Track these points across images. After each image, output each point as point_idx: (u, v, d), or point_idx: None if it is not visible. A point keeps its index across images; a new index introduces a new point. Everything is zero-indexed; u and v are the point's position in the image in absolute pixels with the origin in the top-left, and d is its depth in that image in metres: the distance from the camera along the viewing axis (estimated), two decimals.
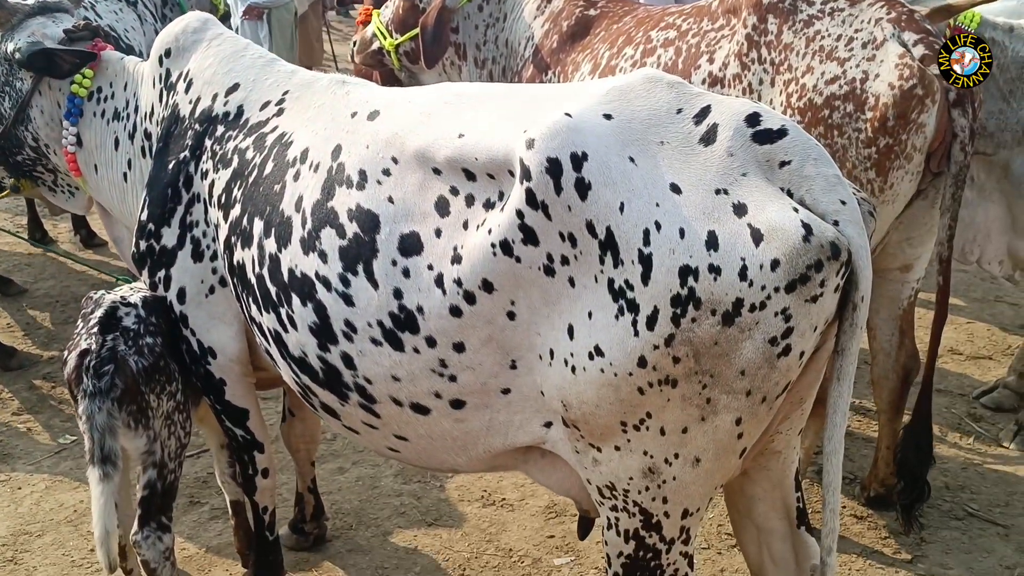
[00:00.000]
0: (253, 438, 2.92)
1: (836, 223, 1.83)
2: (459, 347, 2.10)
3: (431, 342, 2.13)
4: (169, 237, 2.73)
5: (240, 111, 2.69)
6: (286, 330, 2.38)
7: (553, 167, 1.88)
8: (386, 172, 2.21)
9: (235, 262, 2.55)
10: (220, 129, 2.70)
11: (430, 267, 2.10)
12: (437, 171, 2.13)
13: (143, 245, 2.78)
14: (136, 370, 2.58)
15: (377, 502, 3.70)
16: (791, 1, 3.23)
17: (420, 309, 2.11)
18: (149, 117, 2.93)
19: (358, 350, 2.23)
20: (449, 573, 3.30)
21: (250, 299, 2.51)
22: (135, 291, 2.76)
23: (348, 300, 2.22)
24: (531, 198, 1.91)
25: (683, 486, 2.02)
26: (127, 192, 3.05)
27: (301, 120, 2.54)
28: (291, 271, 2.33)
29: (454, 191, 2.09)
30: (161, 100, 2.89)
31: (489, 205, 2.04)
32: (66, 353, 2.64)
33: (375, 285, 2.17)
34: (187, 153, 2.73)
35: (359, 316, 2.20)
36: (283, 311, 2.37)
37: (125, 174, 3.03)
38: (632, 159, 1.88)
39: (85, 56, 3.05)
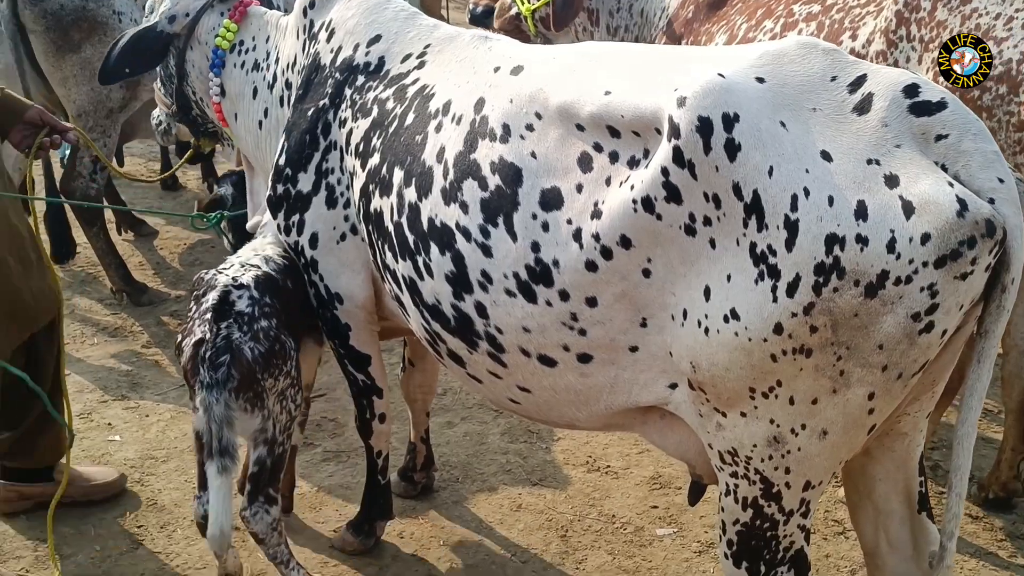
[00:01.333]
0: (373, 383, 3.00)
1: (992, 201, 1.77)
2: (591, 302, 2.12)
3: (564, 295, 2.15)
4: (305, 182, 2.81)
5: (381, 62, 2.73)
6: (422, 278, 2.43)
7: (704, 126, 1.86)
8: (529, 127, 2.23)
9: (372, 209, 2.60)
10: (360, 79, 2.74)
11: (569, 221, 2.11)
12: (580, 127, 2.13)
13: (280, 188, 2.86)
14: (252, 358, 2.54)
15: (484, 458, 3.76)
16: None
17: (556, 263, 2.14)
18: (291, 67, 3.00)
19: (492, 300, 2.27)
20: (551, 533, 3.34)
21: (385, 246, 2.56)
22: (246, 268, 2.73)
23: (486, 251, 2.25)
24: (678, 156, 1.91)
25: (807, 457, 2.00)
26: (261, 139, 3.15)
27: (443, 73, 2.57)
28: (431, 220, 2.37)
29: (597, 147, 2.10)
30: (304, 51, 2.95)
31: (633, 163, 2.04)
32: (180, 339, 2.63)
33: (513, 237, 2.20)
34: (326, 101, 2.78)
35: (496, 267, 2.24)
36: (420, 259, 2.41)
37: (260, 122, 3.13)
38: (783, 124, 1.85)
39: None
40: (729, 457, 2.09)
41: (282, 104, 3.04)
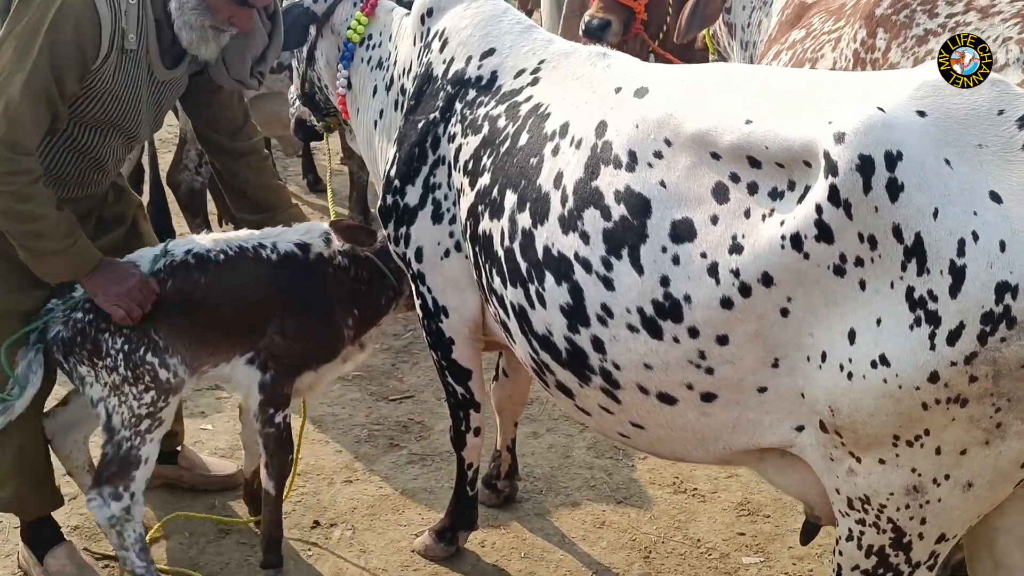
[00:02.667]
0: (472, 397, 2.99)
1: None
2: (722, 340, 2.03)
3: (693, 332, 2.06)
4: (412, 196, 2.78)
5: (494, 77, 2.68)
6: (532, 307, 2.35)
7: (865, 165, 1.77)
8: (657, 154, 2.12)
9: (480, 231, 2.53)
10: (472, 93, 2.69)
11: (703, 255, 2.02)
12: (716, 156, 2.03)
13: (388, 200, 2.84)
14: (52, 338, 2.77)
15: (568, 471, 3.72)
16: (909, 12, 2.96)
17: (688, 298, 2.04)
18: (406, 73, 2.98)
19: (611, 335, 2.18)
20: (634, 554, 3.29)
21: (493, 270, 2.49)
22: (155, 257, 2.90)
23: (608, 284, 2.16)
24: (834, 195, 1.81)
25: (947, 509, 1.90)
26: (374, 138, 3.13)
27: (558, 91, 2.50)
28: (547, 249, 2.28)
29: (734, 178, 2.00)
30: (419, 58, 2.92)
31: (776, 195, 1.94)
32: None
33: (640, 270, 2.10)
34: (436, 114, 2.74)
35: (618, 301, 2.14)
36: (532, 287, 2.33)
37: (375, 122, 3.11)
38: (948, 161, 1.75)
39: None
40: (859, 504, 1.99)
41: (396, 108, 3.02)
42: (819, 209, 1.84)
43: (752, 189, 1.97)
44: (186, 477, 3.48)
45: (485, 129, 2.59)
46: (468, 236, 2.62)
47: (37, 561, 3.04)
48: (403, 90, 2.98)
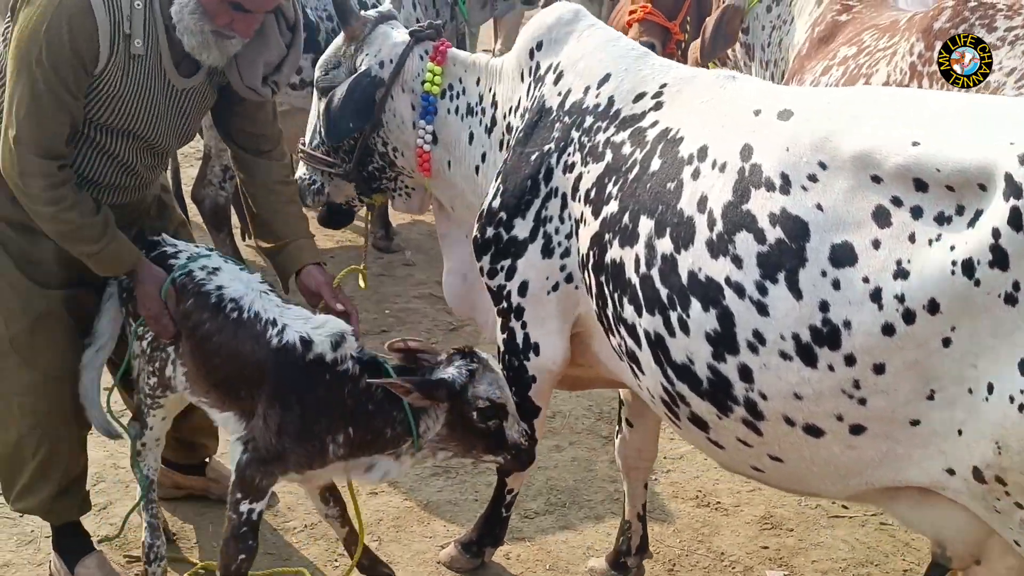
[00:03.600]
0: (533, 433, 2.85)
1: None
2: (879, 368, 1.97)
3: (850, 360, 1.99)
4: (521, 229, 2.67)
5: (611, 102, 2.59)
6: (673, 335, 2.25)
7: None
8: (812, 177, 2.07)
9: (607, 260, 2.43)
10: (589, 120, 2.61)
11: (865, 280, 1.96)
12: (876, 179, 1.98)
13: (490, 232, 2.73)
14: None
15: (592, 485, 3.74)
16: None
17: (847, 324, 1.98)
18: (514, 112, 2.86)
19: (762, 363, 2.10)
20: (658, 567, 3.30)
21: (624, 299, 2.38)
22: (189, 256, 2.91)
23: (763, 309, 2.08)
24: (1015, 218, 1.78)
25: None
26: (478, 184, 2.99)
27: (688, 115, 2.42)
28: (692, 274, 2.20)
29: (896, 201, 1.95)
30: (528, 93, 2.82)
31: (942, 219, 1.90)
32: None
33: (798, 295, 2.03)
34: (551, 145, 2.65)
35: (772, 327, 2.07)
36: (674, 315, 2.24)
37: (477, 167, 2.98)
38: None
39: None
40: None
41: (501, 148, 2.91)
42: (996, 233, 1.80)
43: (916, 213, 1.93)
44: (214, 489, 3.52)
45: (608, 156, 2.50)
46: (591, 266, 2.51)
47: (68, 570, 3.07)
48: (509, 128, 2.87)
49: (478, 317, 3.21)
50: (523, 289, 2.70)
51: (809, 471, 2.19)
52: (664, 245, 2.27)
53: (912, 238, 1.92)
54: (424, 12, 5.46)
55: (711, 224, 2.19)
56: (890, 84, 3.33)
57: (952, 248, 1.86)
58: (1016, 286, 1.80)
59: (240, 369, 2.69)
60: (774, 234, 2.08)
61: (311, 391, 2.62)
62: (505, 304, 2.75)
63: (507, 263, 2.71)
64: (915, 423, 1.99)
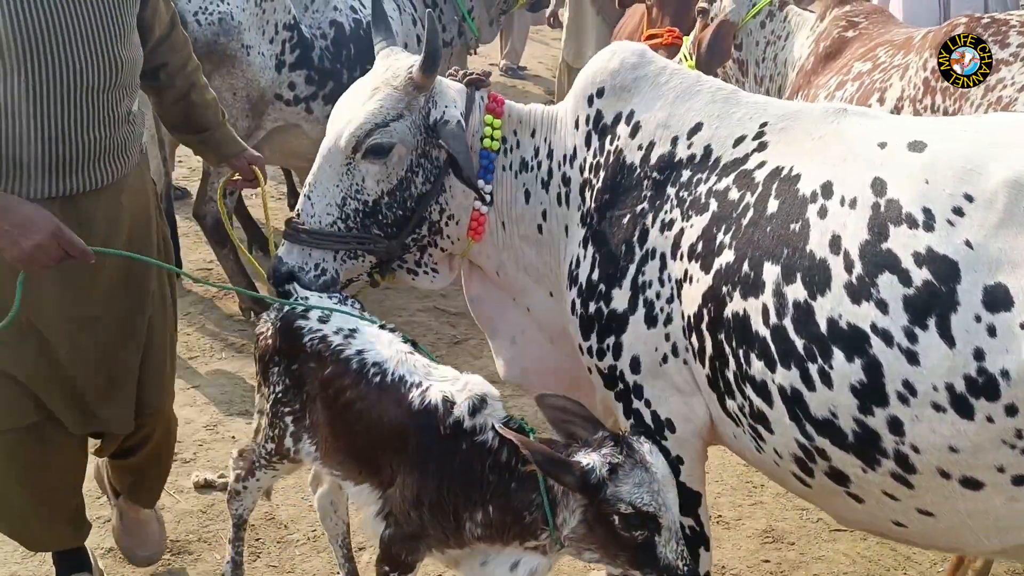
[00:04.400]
0: (702, 530, 2.54)
1: None
2: None
3: (1011, 411, 1.87)
4: (620, 300, 2.44)
5: (708, 151, 2.40)
6: (812, 388, 2.08)
7: None
8: (958, 211, 1.94)
9: (727, 315, 2.23)
10: (686, 174, 2.40)
11: (1023, 326, 1.85)
12: None
13: (592, 307, 2.49)
14: None
15: None
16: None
17: (1005, 373, 1.86)
18: (569, 161, 2.63)
19: (913, 415, 1.97)
20: None
21: (752, 355, 2.19)
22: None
23: (912, 358, 1.95)
24: None
25: None
26: (543, 244, 2.70)
27: (800, 152, 2.26)
28: (832, 321, 2.04)
29: None
30: (588, 144, 2.60)
31: None
32: None
33: (950, 342, 1.90)
34: (645, 205, 2.44)
35: (923, 377, 1.94)
36: (813, 366, 2.08)
37: (540, 226, 2.69)
38: None
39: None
40: None
41: (560, 203, 2.64)
42: None
43: None
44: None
45: (713, 206, 2.31)
46: (704, 325, 2.30)
47: None
48: (566, 180, 2.63)
49: (526, 381, 2.92)
50: (636, 366, 2.44)
51: (963, 525, 2.06)
52: (796, 291, 2.10)
53: None
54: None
55: (848, 267, 2.03)
56: (904, 99, 3.36)
57: None
58: None
59: (380, 436, 2.47)
60: (921, 275, 1.94)
61: (448, 459, 2.37)
62: (621, 385, 2.49)
63: (612, 340, 2.46)
64: None
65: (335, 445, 2.57)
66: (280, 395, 2.67)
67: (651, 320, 2.41)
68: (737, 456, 2.59)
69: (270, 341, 2.70)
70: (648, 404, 2.45)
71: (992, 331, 1.86)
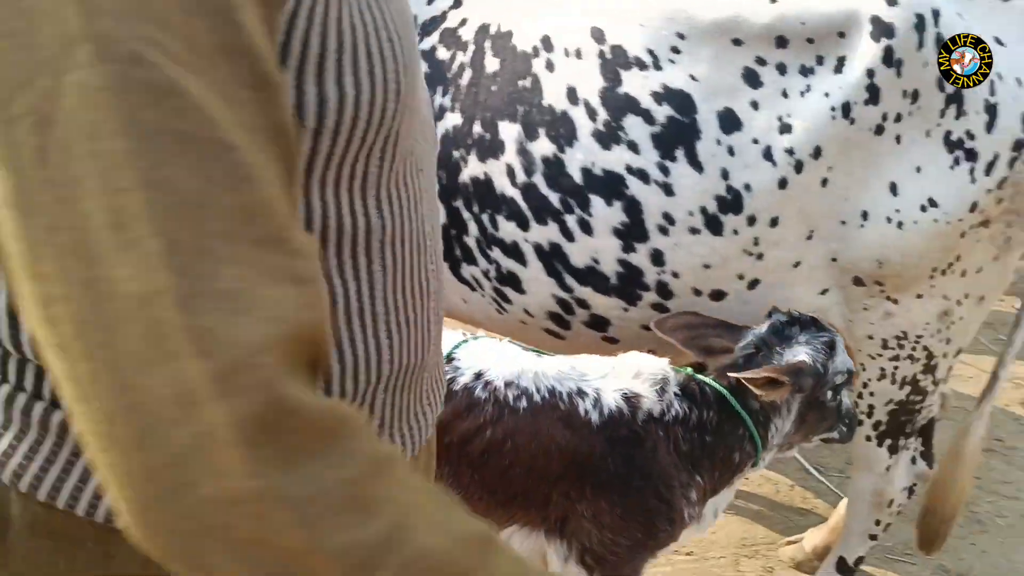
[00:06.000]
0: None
1: None
2: (774, 222, 2.05)
3: (752, 220, 2.05)
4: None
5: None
6: (571, 239, 2.13)
7: (919, 22, 1.93)
8: (675, 49, 2.04)
9: (464, 179, 2.19)
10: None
11: (755, 141, 2.01)
12: (737, 42, 2.01)
13: None
14: None
15: None
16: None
17: (748, 187, 2.02)
18: None
19: (673, 243, 2.08)
20: None
21: (498, 216, 2.18)
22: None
23: (668, 190, 2.05)
24: (888, 56, 1.92)
25: (965, 324, 2.12)
26: None
27: (501, 7, 2.23)
28: (586, 171, 2.09)
29: (760, 61, 2.00)
30: None
31: (806, 71, 1.99)
32: None
33: (699, 168, 2.04)
34: None
35: (679, 205, 2.06)
36: (571, 217, 2.11)
37: None
38: (960, 15, 1.98)
39: None
40: (895, 341, 2.15)
41: None
42: (871, 73, 1.93)
43: (781, 69, 2.00)
44: None
45: (423, 67, 2.19)
46: (445, 193, 2.22)
47: None
48: None
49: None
50: None
51: None
52: (542, 147, 2.11)
53: (784, 94, 2.00)
54: None
55: (592, 114, 2.08)
56: None
57: (826, 95, 1.98)
58: (884, 117, 1.97)
59: (549, 469, 1.97)
60: (663, 112, 2.05)
61: (652, 457, 2.00)
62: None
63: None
64: (796, 264, 2.11)
65: (482, 497, 2.00)
66: None
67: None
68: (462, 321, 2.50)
69: None
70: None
71: (731, 151, 2.02)
